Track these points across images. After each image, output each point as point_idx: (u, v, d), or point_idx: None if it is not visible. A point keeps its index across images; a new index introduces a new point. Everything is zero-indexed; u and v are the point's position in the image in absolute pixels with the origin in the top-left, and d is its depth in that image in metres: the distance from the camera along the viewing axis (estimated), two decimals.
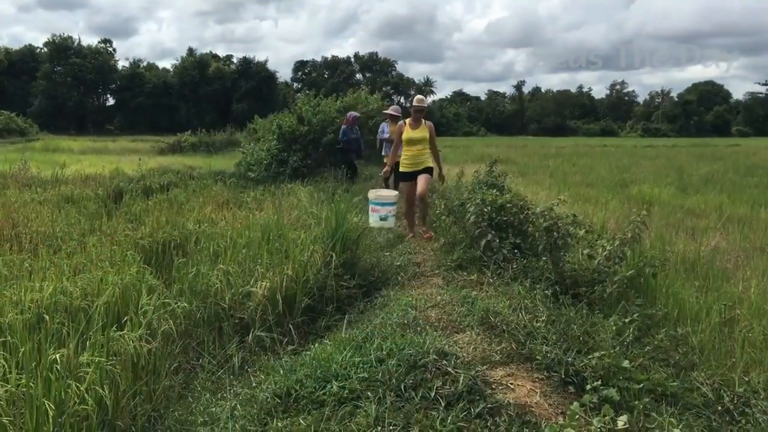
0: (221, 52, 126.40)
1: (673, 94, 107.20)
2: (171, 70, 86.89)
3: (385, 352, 3.54)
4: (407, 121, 7.88)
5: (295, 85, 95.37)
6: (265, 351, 4.48)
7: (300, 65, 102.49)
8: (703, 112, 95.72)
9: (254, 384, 3.74)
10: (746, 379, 3.90)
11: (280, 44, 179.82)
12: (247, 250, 5.78)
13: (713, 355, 4.30)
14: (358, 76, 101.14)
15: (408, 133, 7.73)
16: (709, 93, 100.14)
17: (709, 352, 4.35)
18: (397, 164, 8.71)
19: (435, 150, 7.87)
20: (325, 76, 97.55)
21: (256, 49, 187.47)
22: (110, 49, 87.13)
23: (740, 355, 4.30)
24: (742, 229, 9.94)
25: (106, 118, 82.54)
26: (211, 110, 77.43)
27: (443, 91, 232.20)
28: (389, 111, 11.76)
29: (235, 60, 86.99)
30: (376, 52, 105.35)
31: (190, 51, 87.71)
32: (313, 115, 15.73)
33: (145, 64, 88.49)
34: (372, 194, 8.14)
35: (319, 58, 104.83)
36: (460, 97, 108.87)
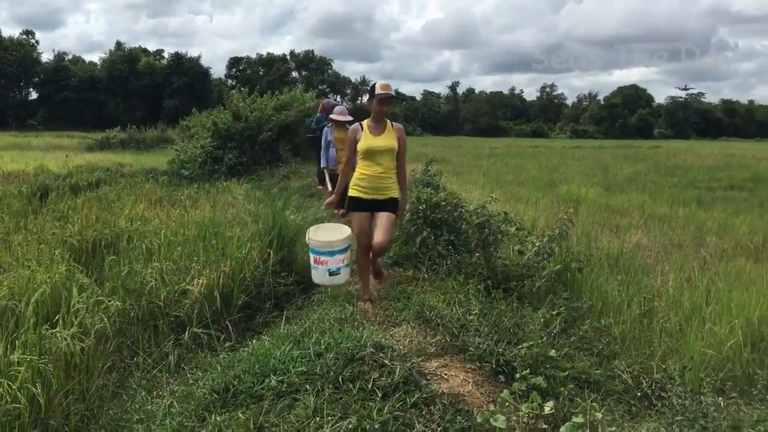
0: (153, 47, 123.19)
1: (600, 98, 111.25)
2: (99, 64, 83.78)
3: (323, 347, 3.60)
4: (365, 123, 4.90)
5: (230, 82, 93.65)
6: (202, 348, 4.46)
7: (234, 62, 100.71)
8: (628, 114, 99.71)
9: (191, 381, 3.73)
10: (663, 366, 4.16)
11: (215, 40, 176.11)
12: (183, 248, 5.72)
13: (633, 345, 4.56)
14: (294, 74, 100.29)
15: (367, 140, 4.81)
16: (633, 97, 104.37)
17: (629, 342, 4.61)
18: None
19: (402, 169, 5.00)
20: (261, 73, 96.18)
21: (190, 44, 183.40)
22: (33, 41, 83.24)
23: (658, 344, 4.58)
24: (661, 226, 10.49)
25: (29, 113, 78.78)
26: (142, 106, 75.11)
27: None
28: (335, 116, 8.67)
29: (166, 55, 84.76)
30: (312, 50, 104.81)
31: (119, 45, 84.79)
32: (250, 112, 15.56)
33: (70, 57, 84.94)
34: (313, 234, 4.86)
35: (254, 55, 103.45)
36: (396, 97, 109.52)
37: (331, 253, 4.73)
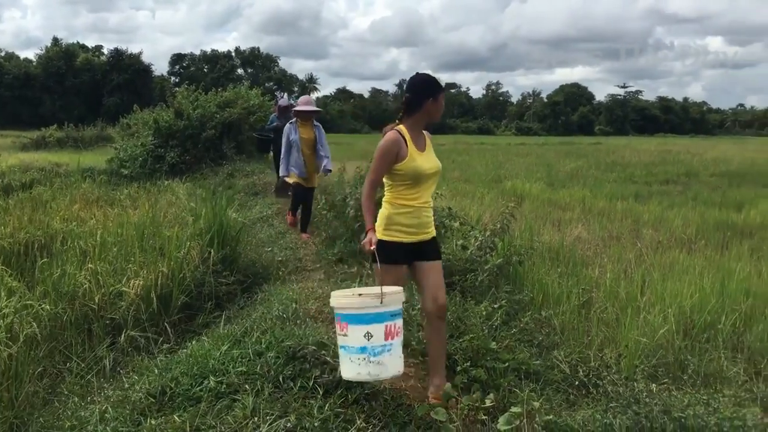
0: (93, 43, 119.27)
1: (543, 95, 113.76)
2: (34, 60, 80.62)
3: (264, 345, 3.55)
4: (404, 130, 3.47)
5: (173, 78, 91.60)
6: (139, 351, 4.34)
7: (177, 58, 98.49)
8: (570, 112, 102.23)
9: (127, 385, 3.62)
10: (600, 355, 4.28)
11: (158, 36, 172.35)
12: (119, 248, 5.55)
13: (572, 335, 4.66)
14: (240, 71, 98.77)
15: (416, 159, 3.45)
16: (575, 94, 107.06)
17: (568, 333, 4.71)
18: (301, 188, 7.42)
19: None
20: (205, 70, 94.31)
21: (132, 40, 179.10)
22: None
23: (596, 334, 4.69)
24: (601, 220, 10.78)
25: None
26: (80, 104, 72.61)
27: (327, 88, 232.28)
28: (302, 107, 7.44)
29: (105, 51, 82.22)
30: (258, 47, 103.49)
31: (55, 41, 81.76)
32: (192, 110, 15.25)
33: (3, 54, 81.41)
34: (340, 299, 3.05)
35: (198, 52, 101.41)
36: (344, 94, 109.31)
37: (378, 318, 2.89)
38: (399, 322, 2.99)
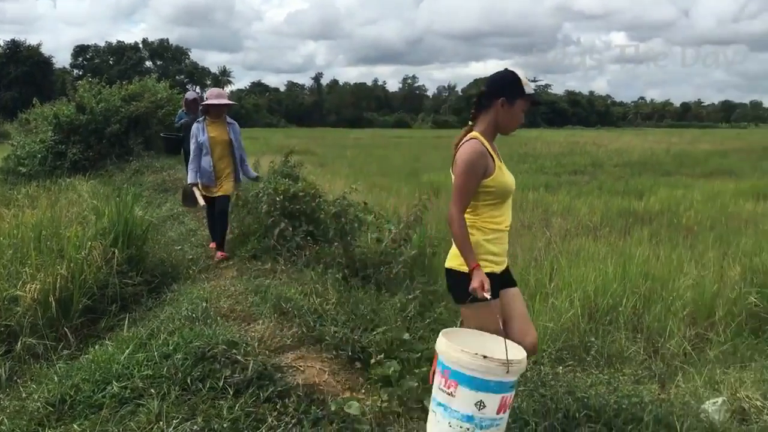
0: None
1: (459, 89, 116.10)
2: None
3: (171, 347, 3.42)
4: (480, 136, 2.86)
5: (75, 71, 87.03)
6: (37, 359, 4.09)
7: (80, 50, 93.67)
8: None
9: (24, 395, 3.41)
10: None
11: (59, 26, 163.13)
12: (14, 251, 5.21)
13: None
14: (148, 63, 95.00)
15: (503, 173, 2.92)
16: None
17: None
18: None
19: None
20: (111, 62, 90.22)
21: (31, 31, 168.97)
22: None
23: None
24: (513, 210, 11.07)
25: None
26: None
27: (242, 81, 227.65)
28: (212, 100, 6.15)
29: (1, 42, 77.12)
30: (168, 39, 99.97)
31: None
32: (96, 104, 14.52)
33: None
34: (457, 353, 2.46)
35: (103, 43, 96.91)
36: (259, 87, 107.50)
37: (498, 387, 2.44)
38: (513, 394, 2.55)
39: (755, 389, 3.72)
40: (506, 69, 2.91)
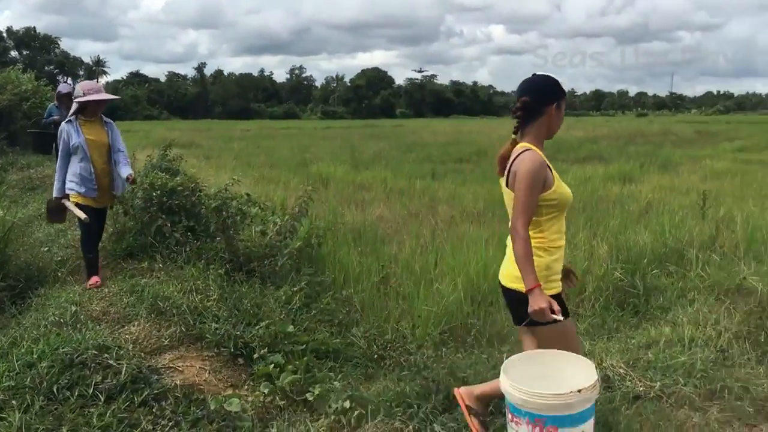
0: None
1: (346, 79, 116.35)
2: None
3: (36, 356, 3.19)
4: (534, 146, 2.73)
5: None
6: None
7: None
8: (372, 95, 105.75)
9: None
10: (397, 327, 4.47)
11: None
12: None
13: (371, 311, 4.82)
14: (13, 53, 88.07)
15: (562, 184, 2.76)
16: (376, 78, 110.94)
17: (368, 309, 4.86)
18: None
19: None
20: None
21: None
22: None
23: (393, 307, 4.90)
24: (401, 198, 11.26)
25: None
26: None
27: (119, 72, 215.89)
28: (91, 96, 5.07)
29: None
30: (35, 27, 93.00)
31: None
32: None
33: None
34: (546, 399, 2.26)
35: None
36: (137, 78, 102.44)
37: (592, 411, 2.34)
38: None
39: (619, 358, 4.00)
40: (542, 75, 2.79)
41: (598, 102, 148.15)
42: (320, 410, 3.00)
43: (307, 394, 3.06)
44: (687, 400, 3.54)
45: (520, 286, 2.57)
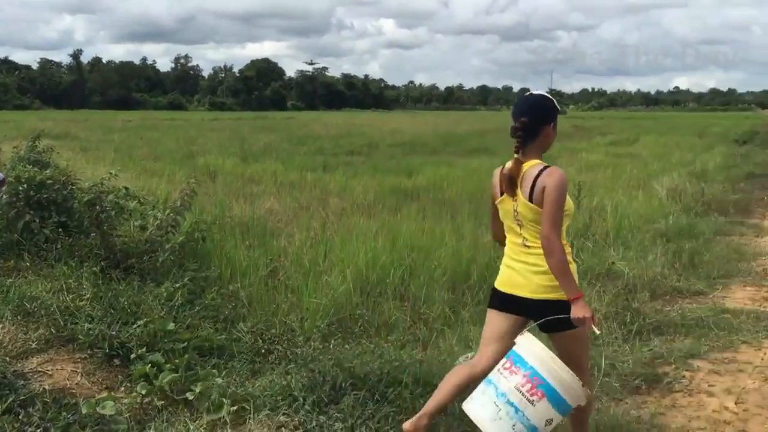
0: None
1: (235, 70, 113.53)
2: None
3: None
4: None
5: None
6: None
7: None
8: (263, 87, 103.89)
9: None
10: (285, 321, 4.42)
11: None
12: None
13: (259, 305, 4.73)
14: None
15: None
16: (266, 70, 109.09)
17: (256, 303, 4.77)
18: None
19: None
20: None
21: None
22: None
23: (282, 301, 4.84)
24: (292, 191, 11.16)
25: None
26: None
27: None
28: None
29: None
30: None
31: None
32: None
33: None
34: (554, 363, 2.47)
35: None
36: (6, 65, 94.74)
37: (567, 410, 2.52)
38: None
39: None
40: (538, 94, 2.89)
41: (485, 97, 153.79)
42: (202, 409, 2.91)
43: (188, 393, 2.95)
44: None
45: (552, 296, 2.64)
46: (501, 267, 2.92)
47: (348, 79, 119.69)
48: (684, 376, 3.97)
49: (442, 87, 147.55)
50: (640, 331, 4.65)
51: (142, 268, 4.73)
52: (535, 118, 2.74)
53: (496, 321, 2.87)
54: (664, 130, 34.15)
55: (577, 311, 2.56)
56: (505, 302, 2.82)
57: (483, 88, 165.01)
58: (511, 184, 2.73)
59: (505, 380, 2.48)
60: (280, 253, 6.16)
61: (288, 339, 3.98)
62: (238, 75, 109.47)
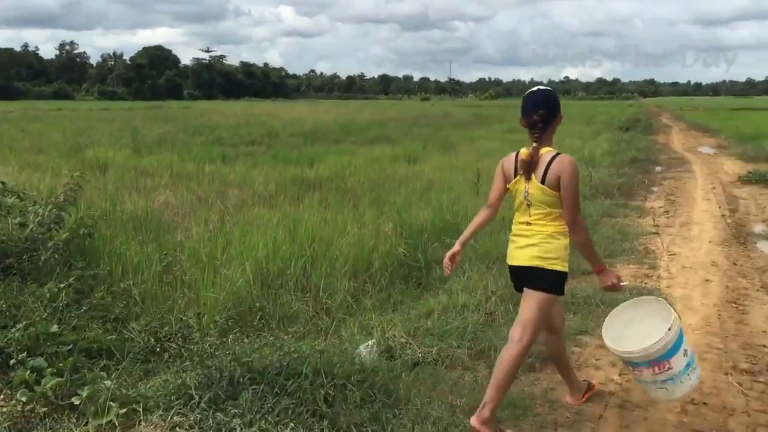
0: None
1: (126, 57, 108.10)
2: None
3: None
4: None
5: None
6: None
7: None
8: (156, 75, 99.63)
9: None
10: (181, 317, 4.26)
11: None
12: None
13: (154, 303, 4.54)
14: None
15: None
16: (160, 57, 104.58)
17: (150, 300, 4.57)
18: None
19: None
20: None
21: None
22: None
23: (178, 297, 4.66)
24: (189, 184, 10.80)
25: None
26: None
27: None
28: None
29: None
30: None
31: None
32: None
33: None
34: (651, 342, 2.91)
35: None
36: None
37: (675, 348, 2.94)
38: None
39: (402, 329, 4.23)
40: (545, 88, 3.26)
41: (386, 86, 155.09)
42: (88, 414, 2.75)
43: (74, 398, 2.79)
44: (459, 361, 3.85)
45: (545, 265, 3.08)
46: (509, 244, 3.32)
47: (247, 68, 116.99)
48: (573, 352, 4.19)
49: (343, 76, 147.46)
50: None
51: (22, 268, 4.41)
52: (549, 110, 3.12)
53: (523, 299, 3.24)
54: None
55: (607, 279, 3.11)
56: (513, 275, 3.29)
57: (384, 77, 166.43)
58: (527, 169, 3.09)
59: (643, 376, 2.97)
60: (176, 247, 5.95)
61: (184, 336, 3.85)
62: (129, 63, 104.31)
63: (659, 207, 9.77)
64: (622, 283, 3.12)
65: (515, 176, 3.16)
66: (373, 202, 8.69)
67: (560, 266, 3.09)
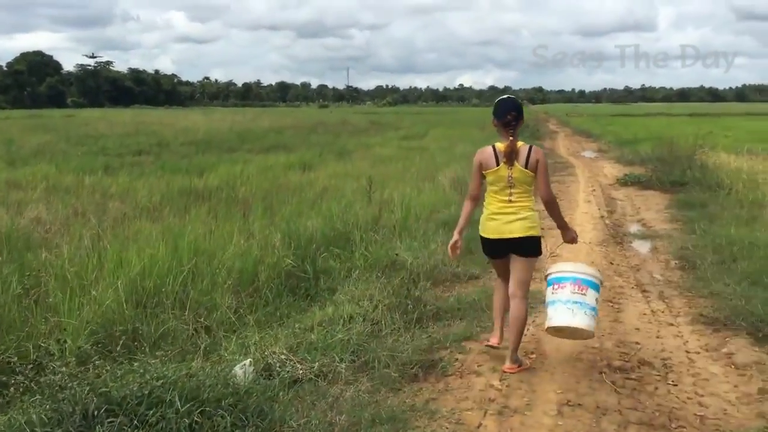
0: None
1: (2, 63, 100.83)
2: None
3: None
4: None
5: None
6: None
7: None
8: (36, 82, 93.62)
9: None
10: (41, 345, 3.90)
11: None
12: None
13: (11, 330, 4.14)
14: None
15: None
16: (40, 63, 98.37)
17: (6, 327, 4.17)
18: None
19: None
20: None
21: None
22: None
23: (39, 321, 4.27)
24: (66, 197, 10.12)
25: None
26: None
27: None
28: None
29: None
30: None
31: None
32: None
33: None
34: (583, 268, 4.08)
35: None
36: None
37: (595, 286, 4.02)
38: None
39: (283, 344, 4.06)
40: (512, 96, 4.28)
41: (284, 93, 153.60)
42: None
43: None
44: (341, 376, 3.74)
45: (536, 233, 4.05)
46: (483, 220, 4.13)
47: (136, 74, 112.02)
48: (457, 359, 4.18)
49: (239, 83, 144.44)
50: (421, 319, 4.83)
51: None
52: (519, 112, 4.07)
53: (498, 265, 4.26)
54: (451, 124, 36.57)
55: (568, 235, 4.27)
56: (494, 246, 4.10)
57: (282, 85, 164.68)
58: (509, 157, 3.95)
59: (561, 293, 3.86)
60: (41, 267, 5.47)
61: (40, 366, 3.50)
62: (6, 69, 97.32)
63: (543, 210, 10.11)
64: (577, 237, 4.32)
65: (497, 165, 3.99)
66: (264, 212, 8.45)
67: (539, 233, 4.08)
